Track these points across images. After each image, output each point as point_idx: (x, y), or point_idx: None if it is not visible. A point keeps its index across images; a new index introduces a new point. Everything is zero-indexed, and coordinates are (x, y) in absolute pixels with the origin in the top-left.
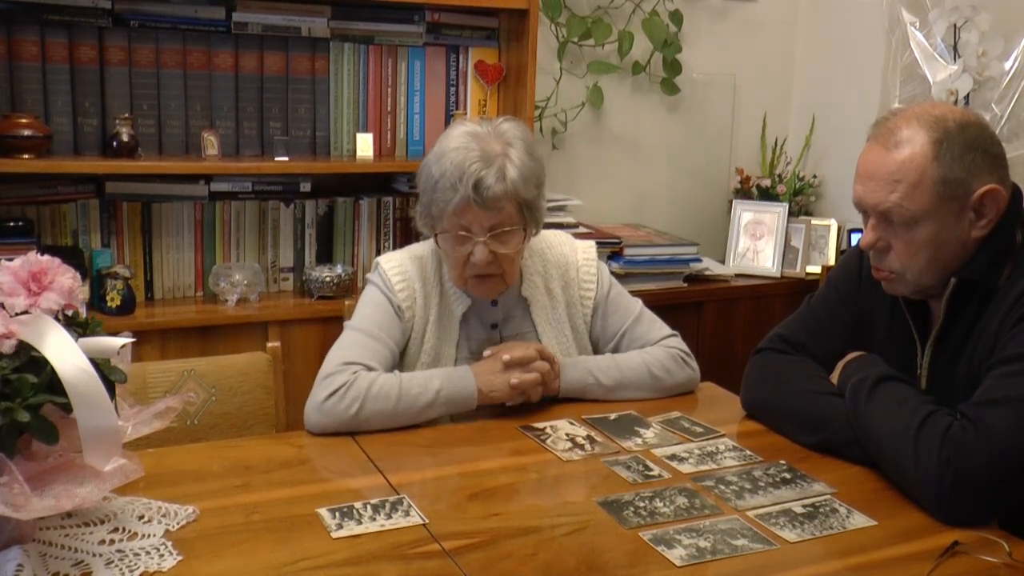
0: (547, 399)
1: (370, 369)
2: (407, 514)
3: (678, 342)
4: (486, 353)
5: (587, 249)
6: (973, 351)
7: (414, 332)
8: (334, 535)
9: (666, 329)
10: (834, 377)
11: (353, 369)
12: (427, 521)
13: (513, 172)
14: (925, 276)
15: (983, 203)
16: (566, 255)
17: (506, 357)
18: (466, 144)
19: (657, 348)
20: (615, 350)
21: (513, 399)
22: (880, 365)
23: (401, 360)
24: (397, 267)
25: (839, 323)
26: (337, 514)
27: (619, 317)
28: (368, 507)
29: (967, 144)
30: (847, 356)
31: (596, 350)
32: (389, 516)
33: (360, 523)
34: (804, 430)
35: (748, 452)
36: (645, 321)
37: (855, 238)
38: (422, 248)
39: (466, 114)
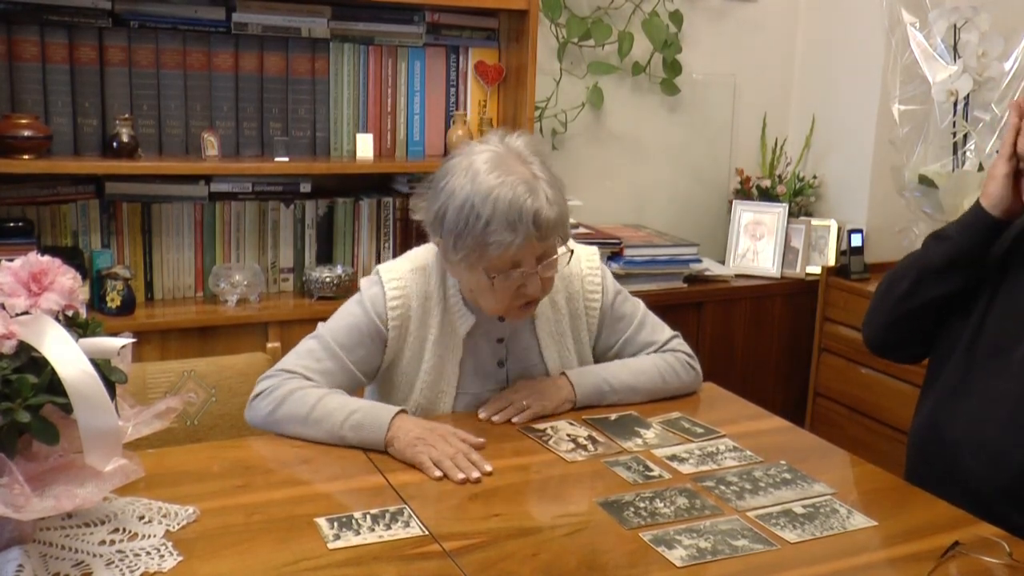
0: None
1: (309, 380)
2: (407, 525)
3: (682, 344)
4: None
5: (590, 257)
6: None
7: (407, 349)
8: (331, 546)
9: (668, 330)
10: None
11: (288, 376)
12: (428, 533)
13: (550, 192)
14: None
15: None
16: (569, 266)
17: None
18: (503, 179)
19: (668, 354)
20: (619, 353)
21: (424, 465)
22: (944, 231)
23: (397, 377)
24: (396, 280)
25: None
26: (335, 524)
27: (625, 322)
28: (368, 517)
29: None
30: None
31: (602, 356)
32: (388, 527)
33: (359, 534)
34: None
35: (748, 452)
36: (649, 324)
37: (855, 238)
38: (424, 257)
39: (466, 115)
